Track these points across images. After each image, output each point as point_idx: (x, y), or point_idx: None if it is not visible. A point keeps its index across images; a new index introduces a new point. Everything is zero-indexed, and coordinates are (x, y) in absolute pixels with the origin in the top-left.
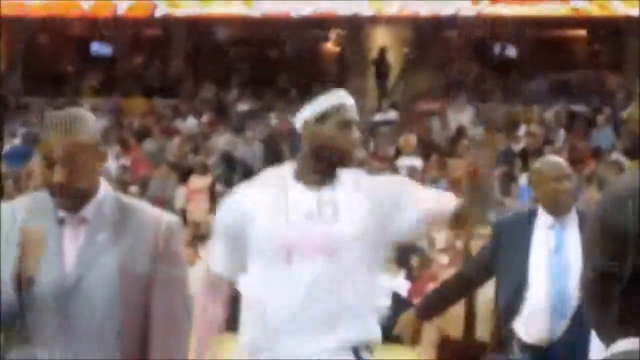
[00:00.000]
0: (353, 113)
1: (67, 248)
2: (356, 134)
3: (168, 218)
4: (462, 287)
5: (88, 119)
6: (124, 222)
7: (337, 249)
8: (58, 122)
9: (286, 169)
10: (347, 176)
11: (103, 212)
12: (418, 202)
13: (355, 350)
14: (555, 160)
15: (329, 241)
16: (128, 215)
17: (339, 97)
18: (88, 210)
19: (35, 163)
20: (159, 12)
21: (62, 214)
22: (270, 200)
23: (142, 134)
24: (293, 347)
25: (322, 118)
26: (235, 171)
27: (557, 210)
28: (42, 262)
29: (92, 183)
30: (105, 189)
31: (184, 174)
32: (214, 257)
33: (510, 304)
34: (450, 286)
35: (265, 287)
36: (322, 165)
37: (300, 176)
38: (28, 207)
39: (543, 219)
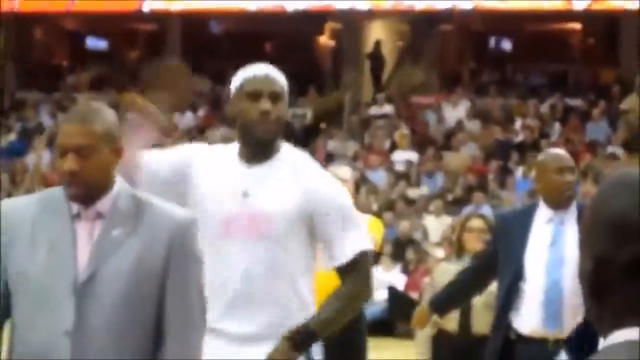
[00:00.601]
0: (262, 84)
1: (81, 243)
2: (265, 104)
3: (183, 214)
4: (476, 281)
5: (106, 113)
6: (139, 218)
7: (263, 229)
8: (75, 112)
9: (236, 146)
10: (288, 157)
11: (118, 207)
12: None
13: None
14: (558, 152)
15: (256, 222)
16: (143, 211)
17: (249, 70)
18: (103, 205)
19: (31, 158)
20: (153, 6)
21: (76, 208)
22: (214, 171)
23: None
24: (214, 326)
25: (235, 93)
26: None
27: (559, 203)
28: (57, 257)
29: (106, 176)
30: (120, 184)
31: None
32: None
33: (507, 296)
34: (465, 280)
35: None
36: (246, 141)
37: (239, 153)
38: (42, 202)
39: (542, 212)
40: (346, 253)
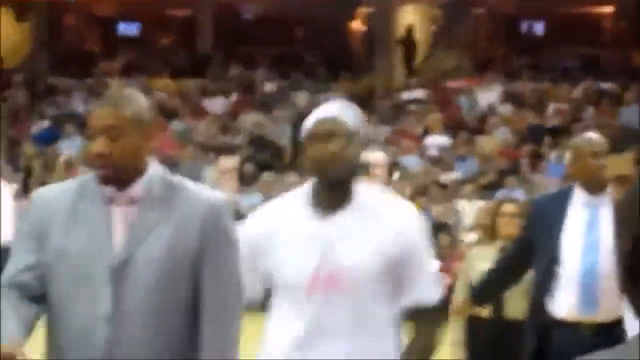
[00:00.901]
0: (331, 125)
1: (116, 228)
2: (334, 145)
3: (216, 197)
4: (513, 269)
5: (138, 98)
6: (173, 202)
7: (345, 285)
8: (107, 97)
9: (304, 192)
10: (367, 200)
11: (152, 192)
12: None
13: None
14: (592, 136)
15: (338, 277)
16: (176, 195)
17: (317, 112)
18: (136, 190)
19: (63, 145)
20: None
21: (109, 193)
22: (285, 229)
23: (170, 115)
24: None
25: (305, 137)
26: (263, 151)
27: (594, 187)
28: (93, 242)
29: (136, 160)
30: (153, 169)
31: (212, 155)
32: None
33: (543, 280)
34: (502, 269)
35: (277, 320)
36: (319, 187)
37: (314, 203)
38: (77, 189)
39: (578, 196)
40: (432, 296)
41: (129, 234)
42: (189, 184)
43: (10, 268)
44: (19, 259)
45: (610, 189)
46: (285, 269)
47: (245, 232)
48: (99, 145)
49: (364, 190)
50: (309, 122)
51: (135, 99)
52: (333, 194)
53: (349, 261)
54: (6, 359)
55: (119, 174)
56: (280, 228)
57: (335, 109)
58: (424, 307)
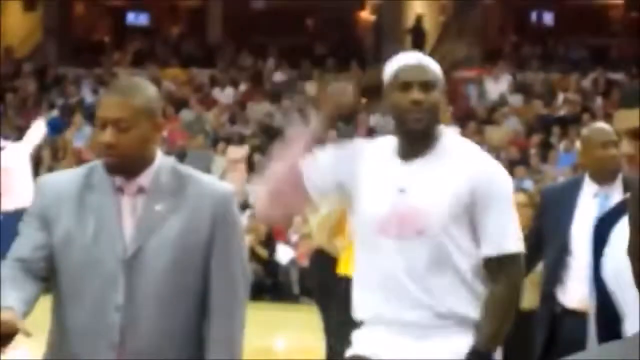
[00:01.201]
0: (413, 73)
1: (125, 218)
2: (416, 94)
3: (224, 187)
4: (526, 259)
5: (147, 87)
6: (182, 191)
7: (419, 226)
8: (116, 86)
9: (391, 139)
10: (449, 147)
11: (160, 181)
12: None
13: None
14: (603, 127)
15: (411, 219)
16: (185, 184)
17: (400, 59)
18: (145, 179)
19: (72, 134)
20: None
21: (118, 182)
22: (371, 169)
23: (179, 104)
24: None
25: (387, 84)
26: (273, 141)
27: (604, 177)
28: (102, 232)
29: (144, 150)
30: (162, 159)
31: (222, 144)
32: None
33: (553, 270)
34: None
35: (358, 263)
36: (401, 134)
37: (396, 148)
38: (85, 177)
39: (588, 187)
40: (509, 247)
41: (139, 224)
42: (198, 174)
43: (19, 244)
44: (28, 236)
45: (623, 145)
46: (362, 209)
47: (331, 160)
48: (107, 135)
49: (449, 137)
50: (394, 69)
51: (144, 89)
52: (417, 141)
53: (423, 204)
54: (6, 326)
55: (126, 164)
56: (363, 169)
57: (416, 57)
58: (501, 257)
